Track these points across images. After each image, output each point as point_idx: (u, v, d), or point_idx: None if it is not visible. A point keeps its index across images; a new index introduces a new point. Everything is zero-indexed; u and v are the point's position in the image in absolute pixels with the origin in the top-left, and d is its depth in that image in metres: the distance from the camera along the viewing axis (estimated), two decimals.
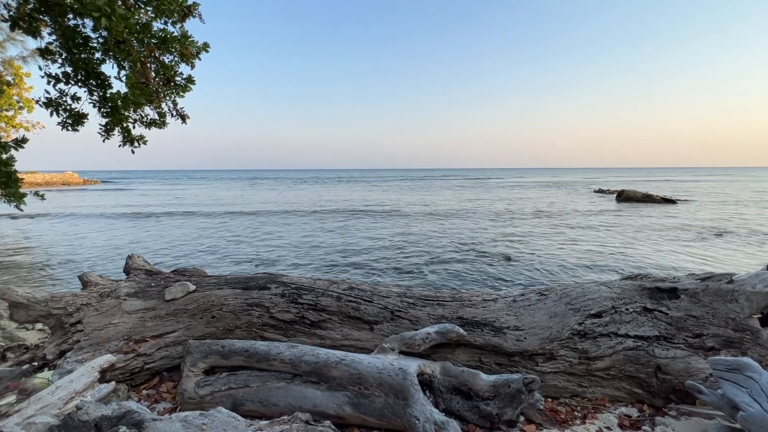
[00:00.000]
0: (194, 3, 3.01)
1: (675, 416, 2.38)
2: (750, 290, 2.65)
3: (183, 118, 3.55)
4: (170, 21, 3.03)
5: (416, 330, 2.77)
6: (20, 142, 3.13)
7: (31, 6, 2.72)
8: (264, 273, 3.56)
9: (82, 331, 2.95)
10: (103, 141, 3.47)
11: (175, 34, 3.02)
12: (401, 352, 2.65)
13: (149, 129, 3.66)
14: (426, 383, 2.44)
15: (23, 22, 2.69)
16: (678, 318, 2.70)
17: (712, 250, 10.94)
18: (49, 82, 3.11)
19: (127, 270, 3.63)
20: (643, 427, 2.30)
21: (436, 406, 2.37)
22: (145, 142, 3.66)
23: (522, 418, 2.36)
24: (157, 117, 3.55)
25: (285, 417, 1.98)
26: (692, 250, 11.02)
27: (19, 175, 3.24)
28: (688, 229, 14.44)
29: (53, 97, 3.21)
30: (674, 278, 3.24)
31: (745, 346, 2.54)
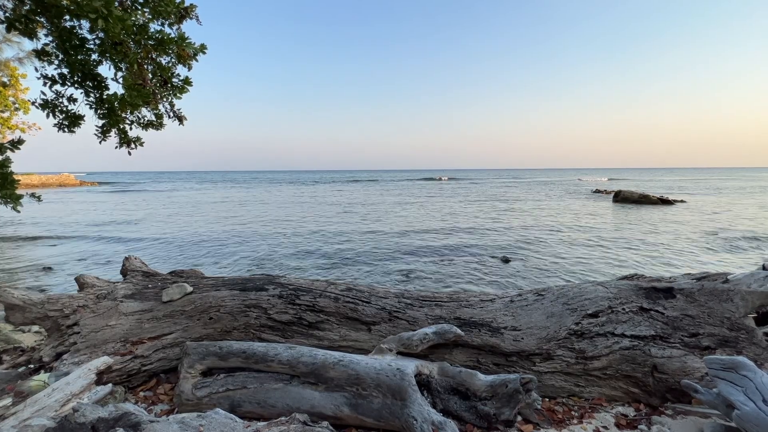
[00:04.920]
0: (191, 4, 3.02)
1: (671, 415, 2.39)
2: (745, 290, 2.67)
3: (180, 119, 3.55)
4: (167, 22, 3.03)
5: (414, 330, 2.77)
6: (16, 144, 3.12)
7: (27, 7, 2.72)
8: (262, 274, 3.56)
9: (79, 333, 2.94)
10: (100, 142, 3.46)
11: (172, 35, 3.02)
12: (399, 353, 2.65)
13: (146, 130, 3.66)
14: (424, 384, 2.44)
15: (19, 24, 2.69)
16: (674, 317, 2.71)
17: (708, 250, 11.00)
18: (45, 84, 3.10)
19: (124, 271, 3.62)
20: (640, 426, 2.31)
21: (434, 406, 2.37)
22: (141, 144, 3.65)
23: (519, 418, 2.37)
24: (154, 118, 3.55)
25: (283, 418, 1.98)
26: (688, 250, 11.07)
27: (15, 177, 3.23)
28: (684, 229, 14.51)
29: (49, 99, 3.20)
30: (670, 278, 3.26)
31: (741, 345, 2.56)
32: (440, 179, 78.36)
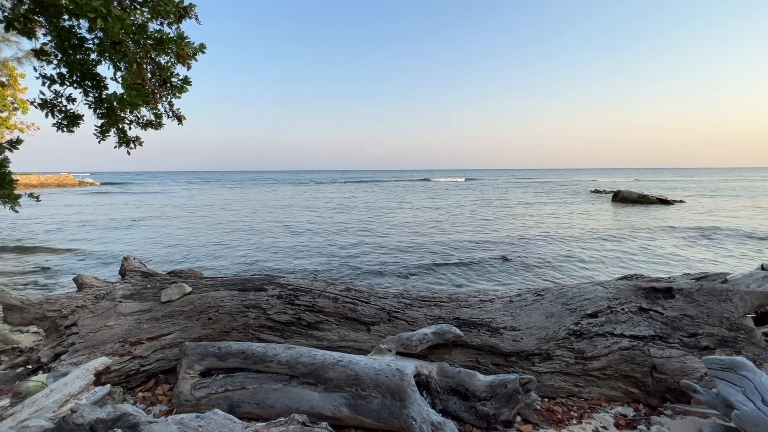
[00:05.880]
0: (190, 4, 3.01)
1: (670, 415, 2.39)
2: (744, 290, 2.67)
3: (179, 119, 3.54)
4: (166, 22, 3.02)
5: (413, 331, 2.77)
6: (14, 144, 3.11)
7: (25, 7, 2.71)
8: (261, 274, 3.56)
9: (77, 333, 2.93)
10: (99, 142, 3.45)
11: (172, 35, 3.02)
12: (398, 353, 2.65)
13: (145, 130, 3.65)
14: (423, 384, 2.44)
15: (18, 23, 2.68)
16: (673, 317, 2.72)
17: (707, 250, 11.02)
18: (44, 83, 3.09)
19: (123, 272, 3.61)
20: (639, 427, 2.31)
21: (433, 406, 2.37)
22: (140, 144, 3.64)
23: (519, 418, 2.37)
24: (153, 118, 3.54)
25: (282, 419, 1.98)
26: (687, 250, 11.09)
27: (14, 177, 3.22)
28: (682, 229, 14.54)
29: (48, 99, 3.19)
30: (669, 278, 3.26)
31: (740, 345, 2.57)
32: (441, 180, 78.02)
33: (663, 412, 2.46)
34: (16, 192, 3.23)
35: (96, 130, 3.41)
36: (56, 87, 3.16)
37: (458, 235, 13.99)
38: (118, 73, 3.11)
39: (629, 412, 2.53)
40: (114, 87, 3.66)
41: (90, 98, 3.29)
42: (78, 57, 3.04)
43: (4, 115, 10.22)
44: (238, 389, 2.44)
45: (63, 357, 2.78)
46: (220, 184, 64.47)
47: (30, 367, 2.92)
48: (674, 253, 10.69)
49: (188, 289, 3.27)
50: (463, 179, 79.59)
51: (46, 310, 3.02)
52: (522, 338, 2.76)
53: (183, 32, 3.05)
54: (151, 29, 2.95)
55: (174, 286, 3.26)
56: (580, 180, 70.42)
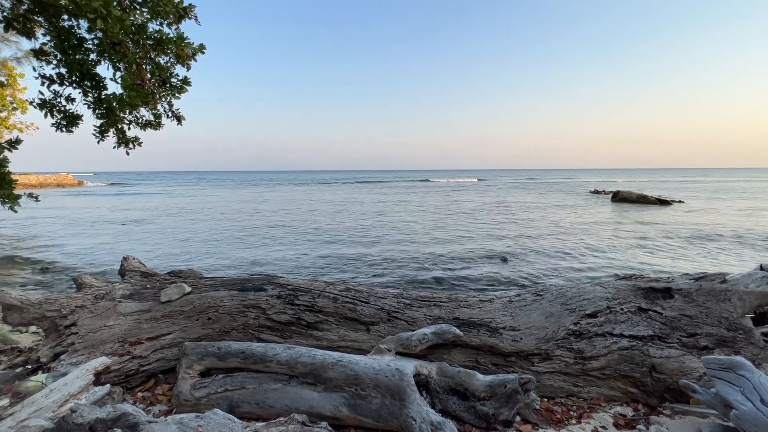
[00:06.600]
0: (190, 5, 3.01)
1: (669, 415, 2.39)
2: (743, 290, 2.68)
3: (178, 119, 3.54)
4: (166, 22, 3.03)
5: (413, 331, 2.77)
6: (14, 144, 3.12)
7: (25, 7, 2.71)
8: (260, 274, 3.56)
9: (77, 333, 2.93)
10: (98, 142, 3.45)
11: (171, 35, 3.02)
12: (398, 353, 2.65)
13: (144, 130, 3.65)
14: (422, 384, 2.44)
15: (17, 23, 2.68)
16: (672, 317, 2.72)
17: (705, 251, 11.03)
18: (43, 83, 3.09)
19: (122, 272, 3.61)
20: (638, 426, 2.31)
21: (433, 406, 2.37)
22: (140, 144, 3.65)
23: (518, 418, 2.37)
24: (152, 118, 3.55)
25: (281, 418, 1.98)
26: (685, 250, 11.10)
27: (13, 177, 3.22)
28: (681, 229, 14.55)
29: (47, 99, 3.19)
30: (668, 278, 3.27)
31: (738, 345, 2.57)
32: (441, 180, 77.90)
33: (662, 411, 2.46)
34: (15, 192, 3.23)
35: (95, 130, 3.42)
36: (55, 87, 3.16)
37: (457, 235, 13.99)
38: (118, 74, 3.11)
39: (628, 411, 2.53)
40: (113, 87, 3.66)
41: (89, 98, 3.29)
42: (77, 57, 3.04)
43: (4, 115, 10.22)
44: (238, 389, 2.44)
45: (62, 357, 2.78)
46: (222, 184, 64.45)
47: (29, 367, 2.92)
48: (671, 254, 10.70)
49: (188, 289, 3.27)
50: (475, 180, 78.82)
51: (46, 310, 3.02)
52: (521, 338, 2.76)
53: (182, 33, 3.05)
54: (150, 30, 2.96)
55: (173, 286, 3.26)
56: (587, 180, 70.06)
